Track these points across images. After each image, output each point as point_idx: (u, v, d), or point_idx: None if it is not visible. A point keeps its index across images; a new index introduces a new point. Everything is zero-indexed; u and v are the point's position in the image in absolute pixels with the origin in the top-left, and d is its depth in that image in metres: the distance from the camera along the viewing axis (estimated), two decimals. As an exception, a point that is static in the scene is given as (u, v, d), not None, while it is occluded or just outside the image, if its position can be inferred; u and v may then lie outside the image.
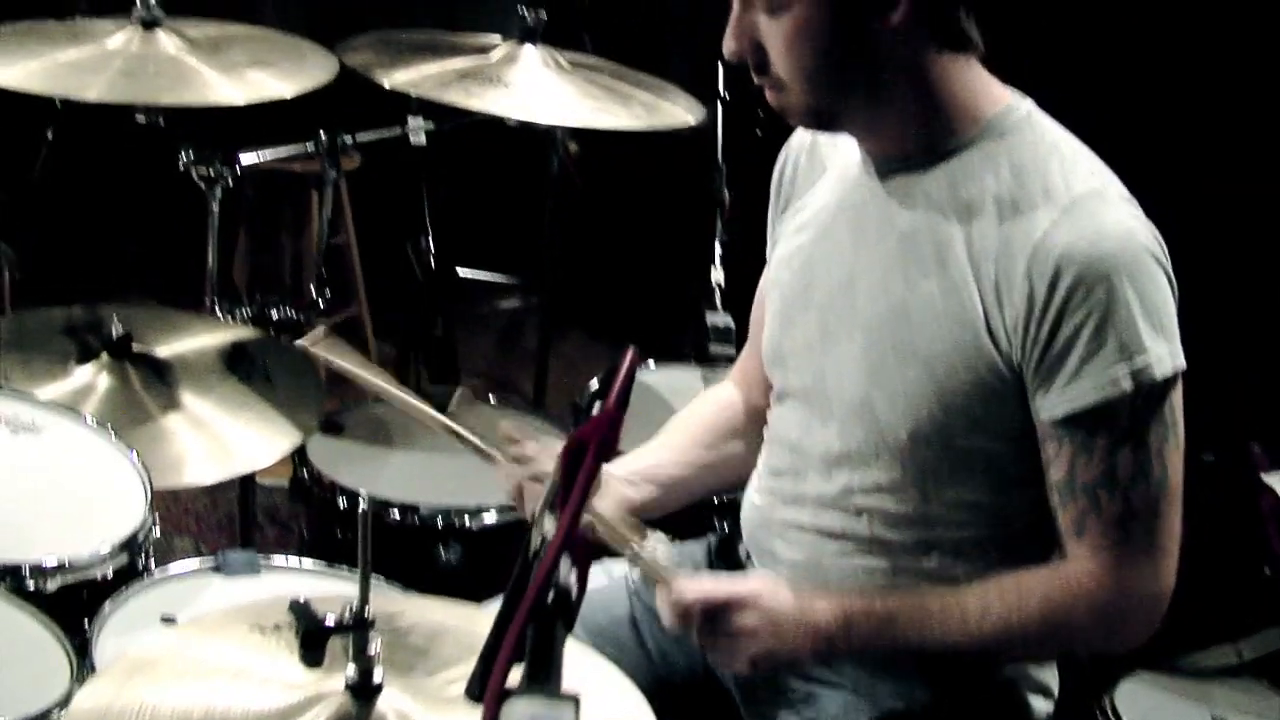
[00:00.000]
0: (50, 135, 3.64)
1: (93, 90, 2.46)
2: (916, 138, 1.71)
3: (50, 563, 1.97)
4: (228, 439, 2.42)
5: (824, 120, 1.74)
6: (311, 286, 3.04)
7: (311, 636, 1.43)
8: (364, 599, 1.43)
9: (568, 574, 1.07)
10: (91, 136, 3.61)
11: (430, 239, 2.89)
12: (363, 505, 1.43)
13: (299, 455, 2.60)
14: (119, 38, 2.63)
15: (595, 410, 1.08)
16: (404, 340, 3.63)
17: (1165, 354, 1.61)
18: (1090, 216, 1.61)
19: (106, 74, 2.50)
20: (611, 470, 1.95)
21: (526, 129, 3.02)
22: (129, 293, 3.71)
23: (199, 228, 2.81)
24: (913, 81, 1.68)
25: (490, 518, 2.50)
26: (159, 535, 2.13)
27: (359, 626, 1.43)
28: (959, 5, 1.67)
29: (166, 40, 2.64)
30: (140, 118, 2.59)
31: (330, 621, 1.43)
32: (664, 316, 3.52)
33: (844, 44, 1.64)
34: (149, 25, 2.63)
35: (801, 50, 1.65)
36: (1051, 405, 1.63)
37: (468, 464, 2.61)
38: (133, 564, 2.06)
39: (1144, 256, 1.61)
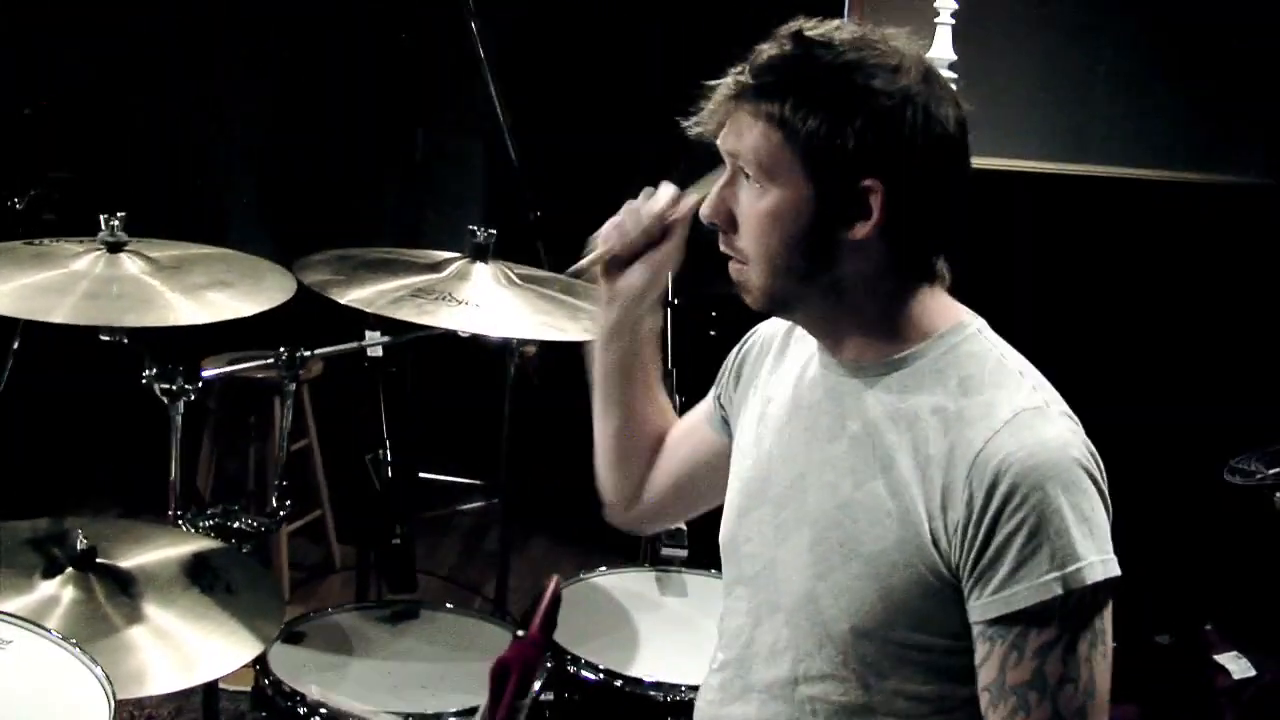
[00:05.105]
0: (15, 347, 3.69)
1: (59, 312, 2.52)
2: (870, 346, 1.79)
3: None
4: (190, 649, 2.44)
5: (777, 304, 1.81)
6: (273, 495, 3.10)
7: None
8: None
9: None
10: (56, 352, 3.67)
11: (387, 449, 2.96)
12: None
13: (260, 664, 2.63)
14: (85, 260, 2.70)
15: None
16: (365, 546, 3.68)
17: (1097, 561, 1.65)
18: (1029, 430, 1.67)
19: (72, 296, 2.57)
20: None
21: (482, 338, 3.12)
22: (97, 505, 3.75)
23: (163, 440, 2.87)
24: (872, 294, 1.76)
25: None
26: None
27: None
28: (928, 244, 1.77)
29: (130, 262, 2.72)
30: (104, 335, 2.63)
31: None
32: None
33: (811, 240, 1.72)
34: (114, 248, 2.71)
35: (770, 233, 1.73)
36: (985, 607, 1.67)
37: (429, 672, 2.67)
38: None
39: (1076, 469, 1.67)
